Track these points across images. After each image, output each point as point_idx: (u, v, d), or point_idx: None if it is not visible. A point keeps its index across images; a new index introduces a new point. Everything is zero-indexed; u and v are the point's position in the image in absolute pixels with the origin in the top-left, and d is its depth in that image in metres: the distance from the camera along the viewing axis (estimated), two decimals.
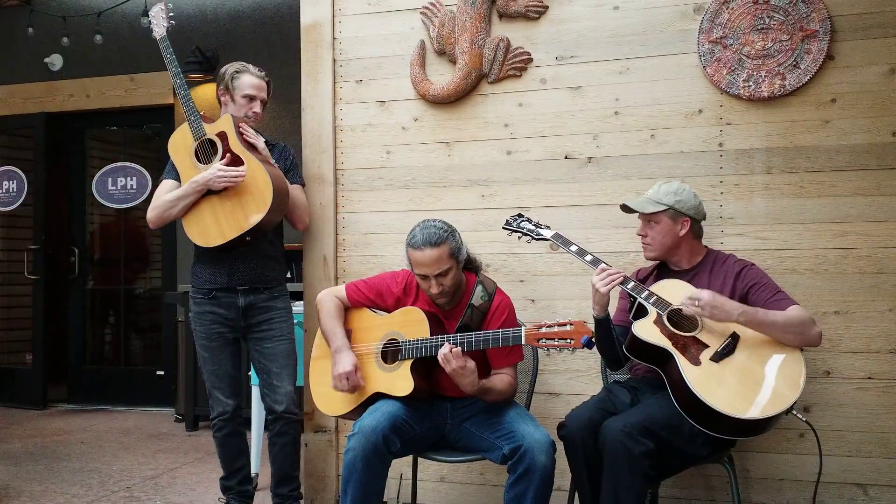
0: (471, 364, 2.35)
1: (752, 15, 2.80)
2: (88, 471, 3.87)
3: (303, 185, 3.10)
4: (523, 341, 2.34)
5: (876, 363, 2.69)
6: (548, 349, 2.31)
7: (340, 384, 2.52)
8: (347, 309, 2.69)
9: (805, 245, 2.75)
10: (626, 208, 2.59)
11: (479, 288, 2.55)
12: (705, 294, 2.28)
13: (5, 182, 5.94)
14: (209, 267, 2.89)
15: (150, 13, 3.06)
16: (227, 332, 2.91)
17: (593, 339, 2.25)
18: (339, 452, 3.21)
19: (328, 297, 2.69)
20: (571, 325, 2.27)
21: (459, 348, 2.35)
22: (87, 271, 5.89)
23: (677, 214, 2.50)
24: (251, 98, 2.91)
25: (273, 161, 2.93)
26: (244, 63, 2.98)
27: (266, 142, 2.99)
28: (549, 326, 2.30)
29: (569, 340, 2.26)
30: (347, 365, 2.51)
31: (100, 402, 5.70)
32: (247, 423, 3.10)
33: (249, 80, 2.92)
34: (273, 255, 2.96)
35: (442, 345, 2.37)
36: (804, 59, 2.74)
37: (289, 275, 3.05)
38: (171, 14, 3.05)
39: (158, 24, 3.01)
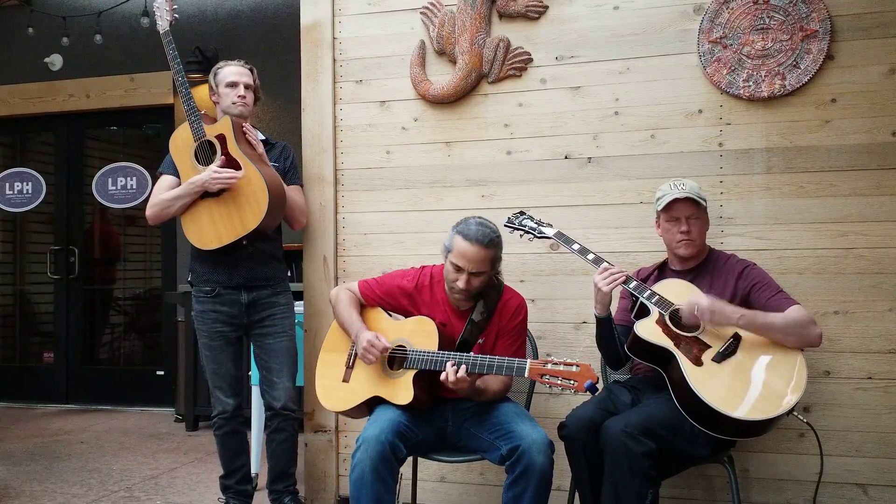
0: (471, 378, 2.36)
1: (752, 15, 2.80)
2: (88, 471, 3.87)
3: (301, 186, 3.10)
4: (527, 375, 2.31)
5: (876, 363, 2.69)
6: (549, 386, 2.29)
7: (368, 356, 2.48)
8: (362, 306, 2.68)
9: (805, 245, 2.75)
10: (681, 203, 2.48)
11: (480, 303, 2.53)
12: (703, 300, 2.28)
13: (17, 183, 5.96)
14: (208, 265, 2.89)
15: (154, 4, 3.02)
16: (230, 331, 2.91)
17: (597, 385, 2.23)
18: (340, 452, 3.21)
19: (343, 290, 2.70)
20: (578, 367, 2.24)
21: (463, 370, 2.33)
22: (86, 271, 5.90)
23: (705, 211, 2.54)
24: (234, 84, 2.91)
25: (271, 161, 2.93)
26: (225, 60, 3.01)
27: (265, 140, 2.99)
28: (555, 364, 2.26)
29: (572, 382, 2.23)
30: (369, 334, 2.50)
31: (100, 402, 5.70)
32: (247, 422, 3.10)
33: (228, 69, 2.94)
34: (273, 254, 2.96)
35: (447, 361, 2.36)
36: (804, 59, 2.74)
37: (289, 274, 3.04)
38: (176, 7, 3.03)
39: (162, 16, 2.98)
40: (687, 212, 2.50)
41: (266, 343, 2.92)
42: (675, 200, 2.49)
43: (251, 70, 2.98)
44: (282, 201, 2.84)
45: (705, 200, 2.54)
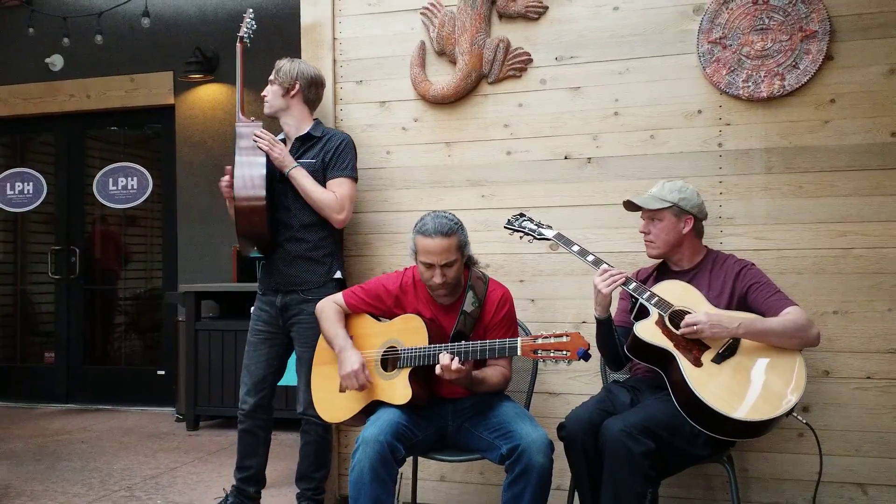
0: (466, 367, 2.36)
1: (751, 15, 2.80)
2: (89, 470, 3.88)
3: (348, 179, 2.92)
4: (519, 353, 2.32)
5: (875, 363, 2.69)
6: (544, 360, 2.30)
7: (349, 382, 2.50)
8: (348, 315, 2.68)
9: (805, 245, 2.75)
10: (629, 205, 2.60)
11: (470, 294, 2.53)
12: (701, 317, 2.28)
13: (18, 183, 5.97)
14: (261, 268, 3.06)
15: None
16: (268, 331, 2.98)
17: (590, 352, 2.24)
18: (340, 452, 3.22)
19: (327, 304, 2.70)
20: (568, 336, 2.25)
21: (457, 361, 2.33)
22: (87, 271, 5.90)
23: (681, 212, 2.51)
24: None
25: (306, 159, 2.91)
26: None
27: (308, 134, 2.96)
28: (546, 338, 2.28)
29: (565, 353, 2.24)
30: (355, 363, 2.49)
31: (100, 401, 5.71)
32: (268, 425, 3.04)
33: None
34: (310, 257, 2.93)
35: (440, 353, 2.36)
36: (803, 59, 2.74)
37: (339, 274, 2.99)
38: (252, 18, 3.11)
39: (242, 30, 3.11)
40: (647, 212, 2.55)
41: (295, 349, 2.98)
42: (633, 206, 2.57)
43: (275, 63, 3.01)
44: (253, 210, 2.83)
45: (675, 203, 2.49)
